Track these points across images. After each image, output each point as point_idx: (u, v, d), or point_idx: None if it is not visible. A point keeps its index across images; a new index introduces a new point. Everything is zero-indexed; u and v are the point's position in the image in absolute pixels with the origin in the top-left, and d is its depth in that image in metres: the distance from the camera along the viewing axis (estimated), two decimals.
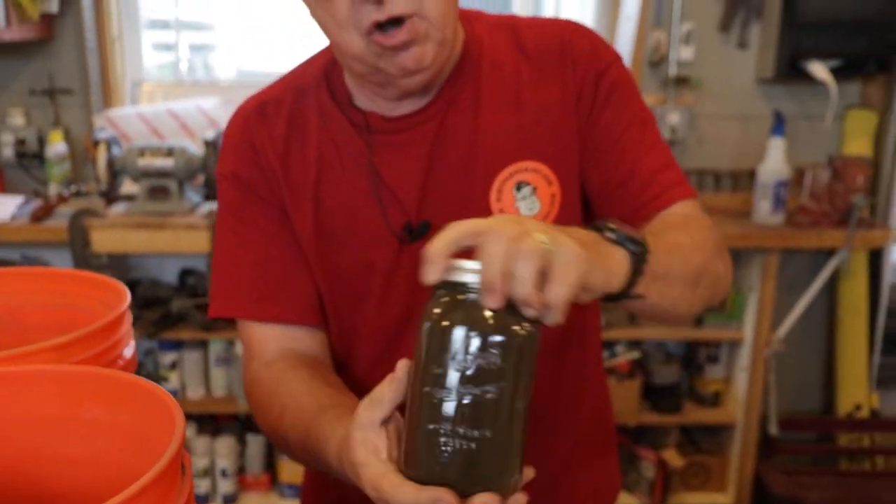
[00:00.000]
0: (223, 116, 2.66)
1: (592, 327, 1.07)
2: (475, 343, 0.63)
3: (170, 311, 2.43)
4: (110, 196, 2.41)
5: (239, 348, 2.47)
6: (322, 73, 0.99)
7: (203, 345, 2.54)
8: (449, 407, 0.64)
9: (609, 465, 1.15)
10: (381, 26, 0.84)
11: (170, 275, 2.64)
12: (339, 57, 0.92)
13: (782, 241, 2.44)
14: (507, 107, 0.94)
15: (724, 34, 2.65)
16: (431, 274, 0.65)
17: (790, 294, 2.71)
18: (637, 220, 0.88)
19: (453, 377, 0.63)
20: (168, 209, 2.32)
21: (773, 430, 2.67)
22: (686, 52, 2.64)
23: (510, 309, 0.63)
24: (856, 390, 2.81)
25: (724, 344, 2.68)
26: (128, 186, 2.46)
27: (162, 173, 2.31)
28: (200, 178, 2.41)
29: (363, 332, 0.99)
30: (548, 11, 2.90)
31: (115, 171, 2.34)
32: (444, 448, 0.64)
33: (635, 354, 2.63)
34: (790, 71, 2.54)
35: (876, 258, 2.74)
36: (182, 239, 2.25)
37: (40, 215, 2.31)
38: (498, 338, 0.63)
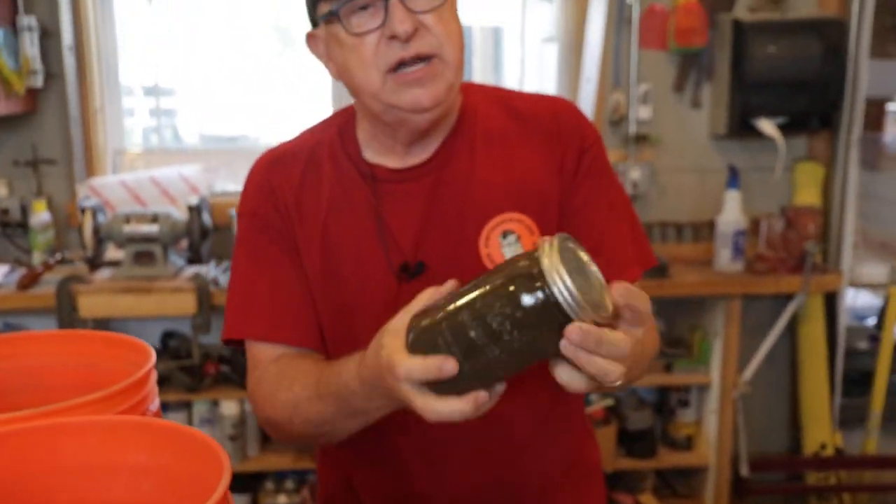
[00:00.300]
0: (203, 183, 2.75)
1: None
2: (515, 322, 0.74)
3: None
4: (95, 262, 2.47)
5: (224, 409, 2.51)
6: (336, 131, 1.12)
7: (187, 406, 2.57)
8: (461, 334, 0.76)
9: (593, 499, 1.24)
10: (404, 65, 0.96)
11: (152, 338, 2.68)
12: (358, 96, 1.03)
13: (743, 287, 2.58)
14: (497, 165, 1.07)
15: (679, 94, 2.83)
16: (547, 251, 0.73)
17: (754, 338, 2.84)
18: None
19: (485, 324, 0.75)
20: (153, 274, 2.38)
21: (745, 471, 2.77)
22: (644, 112, 2.80)
23: (552, 321, 0.73)
24: (820, 430, 2.92)
25: (694, 388, 2.79)
26: (112, 252, 2.52)
27: (147, 239, 2.38)
28: (184, 243, 2.48)
29: None
30: (512, 73, 3.05)
31: (101, 238, 2.41)
32: (436, 345, 0.78)
33: (609, 401, 2.72)
34: (741, 127, 2.72)
35: (832, 302, 2.89)
36: (168, 302, 2.32)
37: (27, 283, 2.36)
38: (520, 326, 0.74)
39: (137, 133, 3.05)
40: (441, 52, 0.97)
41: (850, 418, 3.16)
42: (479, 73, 3.37)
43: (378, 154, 1.08)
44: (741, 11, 2.76)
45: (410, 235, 1.05)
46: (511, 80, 3.18)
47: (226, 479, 0.68)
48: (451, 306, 0.78)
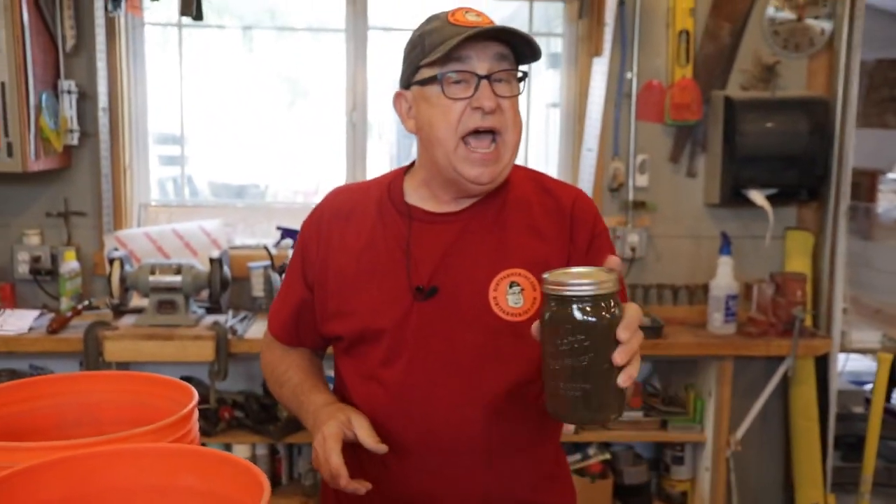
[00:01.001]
0: (223, 236, 2.90)
1: None
2: (568, 331, 0.98)
3: None
4: (120, 309, 2.61)
5: (236, 452, 2.62)
6: (387, 182, 1.39)
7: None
8: (560, 370, 1.00)
9: None
10: (476, 134, 1.22)
11: None
12: (432, 148, 1.26)
13: (734, 349, 2.70)
14: (518, 228, 1.30)
15: (675, 164, 3.00)
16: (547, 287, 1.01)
17: (747, 398, 2.95)
18: None
19: (560, 352, 0.99)
20: (175, 322, 2.52)
21: None
22: (641, 180, 2.97)
23: (587, 314, 0.98)
24: (813, 492, 3.00)
25: (688, 445, 2.89)
26: (136, 300, 2.66)
27: (170, 288, 2.52)
28: (205, 293, 2.62)
29: (370, 368, 1.31)
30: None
31: (127, 287, 2.55)
32: (563, 394, 1.01)
33: (606, 455, 2.82)
34: (733, 197, 2.87)
35: (823, 366, 3.00)
36: (188, 349, 2.45)
37: (56, 327, 2.49)
38: (581, 331, 0.98)
39: (154, 179, 3.21)
40: (506, 132, 1.24)
41: (846, 481, 3.23)
42: None
43: (420, 199, 1.33)
44: (733, 89, 2.94)
45: (431, 265, 1.27)
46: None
47: (265, 497, 0.80)
48: (545, 372, 1.04)
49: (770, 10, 2.93)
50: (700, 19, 2.92)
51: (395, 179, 1.37)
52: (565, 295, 0.98)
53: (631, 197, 2.97)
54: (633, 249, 2.95)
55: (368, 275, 1.30)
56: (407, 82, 1.28)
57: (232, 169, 3.45)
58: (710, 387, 2.78)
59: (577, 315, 0.98)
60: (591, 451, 2.84)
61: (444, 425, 1.25)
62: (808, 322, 2.92)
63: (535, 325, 1.04)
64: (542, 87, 3.20)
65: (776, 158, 2.83)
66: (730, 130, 2.82)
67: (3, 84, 2.43)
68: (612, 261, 1.07)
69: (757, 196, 2.82)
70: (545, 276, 1.01)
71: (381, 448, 1.19)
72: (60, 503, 0.89)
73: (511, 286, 1.25)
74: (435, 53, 1.20)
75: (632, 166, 2.96)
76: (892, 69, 5.31)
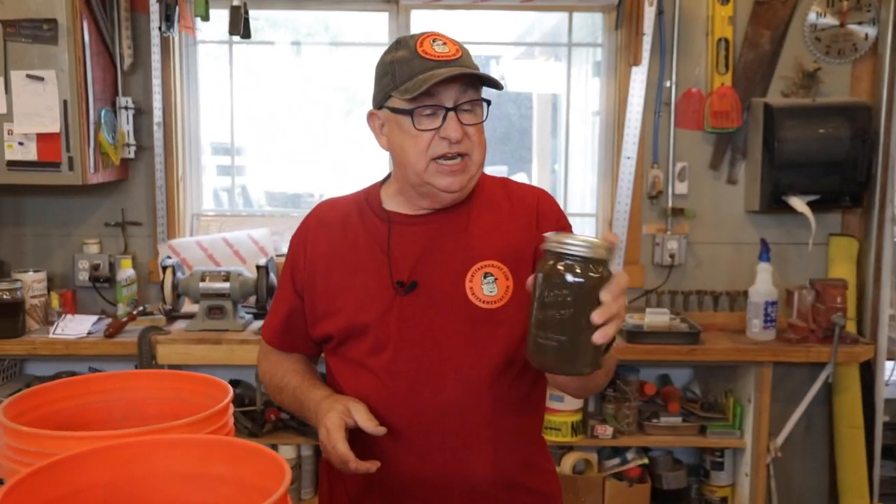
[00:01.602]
0: (270, 244, 3.02)
1: (534, 389, 1.44)
2: (556, 286, 1.07)
3: None
4: (172, 315, 2.74)
5: (282, 452, 2.72)
6: (364, 194, 1.50)
7: None
8: (542, 320, 1.09)
9: None
10: (445, 158, 1.32)
11: None
12: (403, 169, 1.37)
13: (773, 355, 2.69)
14: (488, 226, 1.41)
15: (715, 171, 3.00)
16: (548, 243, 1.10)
17: (789, 405, 2.93)
18: None
19: (545, 303, 1.08)
20: (224, 327, 2.63)
21: None
22: (681, 187, 2.98)
23: (574, 272, 1.07)
24: (858, 500, 2.96)
25: (728, 451, 2.88)
26: (187, 306, 2.78)
27: (219, 295, 2.63)
28: (252, 299, 2.73)
29: (358, 357, 1.40)
30: (560, 153, 3.26)
31: (179, 293, 2.68)
32: (540, 343, 1.10)
33: (644, 460, 2.83)
34: (774, 203, 2.87)
35: (868, 373, 2.96)
36: (236, 353, 2.56)
37: (112, 332, 2.63)
38: (567, 286, 1.07)
39: (209, 189, 3.35)
40: (472, 153, 1.35)
41: (892, 491, 3.18)
42: (537, 137, 3.59)
43: (397, 205, 1.44)
44: (774, 96, 2.94)
45: (410, 262, 1.39)
46: (562, 146, 3.39)
47: (286, 483, 0.88)
48: (531, 318, 1.12)
49: (812, 17, 2.92)
50: (739, 27, 2.92)
51: (372, 190, 1.49)
52: (559, 252, 1.07)
53: (670, 204, 2.98)
54: (671, 256, 2.97)
55: (352, 275, 1.41)
56: (379, 104, 1.37)
57: (287, 178, 3.58)
58: (749, 392, 2.77)
59: (566, 271, 1.06)
60: (629, 455, 2.86)
61: (431, 408, 1.35)
62: (852, 329, 2.89)
63: (530, 279, 1.12)
64: (585, 96, 3.24)
65: (817, 164, 2.82)
66: (769, 137, 2.82)
67: (65, 102, 2.58)
68: (610, 234, 1.20)
69: (798, 202, 2.81)
70: (547, 234, 1.11)
71: (380, 430, 1.28)
72: (104, 487, 0.98)
73: (485, 276, 1.37)
74: (406, 93, 1.29)
75: (671, 174, 2.98)
76: None
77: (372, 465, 1.28)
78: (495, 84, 1.33)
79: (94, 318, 2.78)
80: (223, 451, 0.99)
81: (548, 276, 1.08)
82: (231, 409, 1.15)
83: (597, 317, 1.06)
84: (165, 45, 2.92)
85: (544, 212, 1.43)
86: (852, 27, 2.91)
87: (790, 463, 2.99)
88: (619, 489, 2.79)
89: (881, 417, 3.01)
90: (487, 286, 1.37)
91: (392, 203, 1.44)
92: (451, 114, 1.30)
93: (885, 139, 2.88)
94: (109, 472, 0.96)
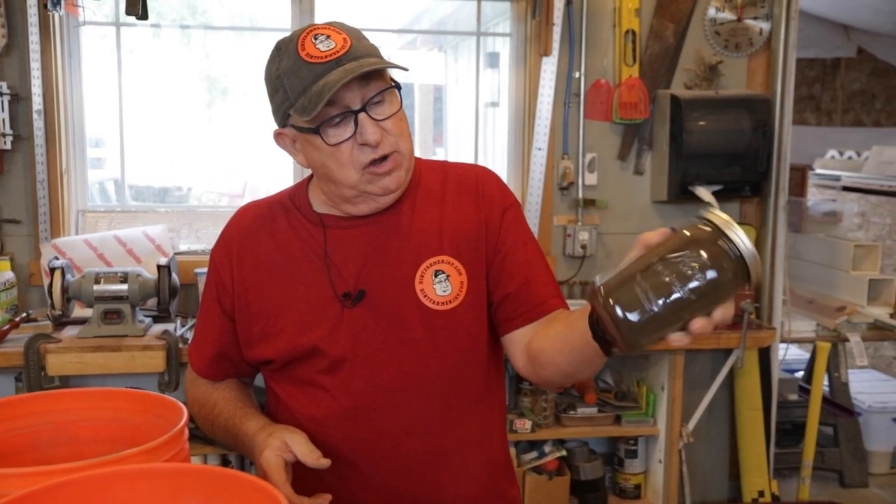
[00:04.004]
0: (167, 242, 2.81)
1: (499, 389, 1.37)
2: (703, 265, 0.89)
3: None
4: (61, 321, 2.49)
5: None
6: (288, 195, 1.36)
7: None
8: (658, 280, 0.90)
9: None
10: (373, 161, 1.19)
11: None
12: (333, 186, 1.23)
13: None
14: (433, 217, 1.29)
15: (623, 162, 3.04)
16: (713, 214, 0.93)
17: (694, 390, 3.01)
18: (527, 319, 1.27)
19: (675, 266, 0.90)
20: (122, 332, 2.42)
21: None
22: (591, 178, 3.00)
23: (730, 266, 0.89)
24: (757, 478, 3.09)
25: (641, 439, 2.93)
26: (78, 311, 2.54)
27: (116, 297, 2.42)
28: (151, 302, 2.53)
29: (309, 377, 1.27)
30: (467, 142, 3.22)
31: (69, 297, 2.44)
32: (636, 294, 0.91)
33: (562, 452, 2.83)
34: (680, 193, 2.93)
35: (766, 356, 3.09)
36: (137, 360, 2.36)
37: None
38: (712, 274, 0.89)
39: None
40: (399, 147, 1.21)
41: (783, 466, 3.35)
42: (419, 127, 3.54)
43: (329, 208, 1.30)
44: (678, 88, 3.00)
45: (353, 270, 1.26)
46: (450, 136, 3.37)
47: None
48: (642, 263, 0.92)
49: (711, 11, 3.00)
50: (645, 19, 2.97)
51: (297, 191, 1.34)
52: (731, 235, 0.89)
53: (581, 195, 3.00)
54: (583, 247, 2.98)
55: (291, 290, 1.27)
56: (282, 123, 1.24)
57: (151, 171, 3.33)
58: (662, 380, 2.83)
59: (725, 257, 0.89)
60: (546, 448, 2.85)
61: (393, 431, 1.25)
62: (752, 315, 3.01)
63: (660, 232, 0.94)
64: (482, 87, 3.21)
65: (721, 155, 2.90)
66: (676, 129, 2.88)
67: None
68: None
69: (704, 192, 2.89)
70: (709, 208, 0.94)
71: (324, 463, 1.15)
72: None
73: (436, 275, 1.25)
74: (304, 112, 1.14)
75: (581, 165, 2.99)
76: (809, 68, 5.54)
77: (324, 501, 1.14)
78: (397, 67, 1.19)
79: None
80: (195, 481, 0.87)
81: (699, 246, 0.89)
82: (186, 431, 1.02)
83: (697, 325, 0.91)
84: (45, 24, 2.65)
85: (488, 194, 1.32)
86: (748, 22, 3.02)
87: (695, 447, 3.08)
88: (538, 483, 2.78)
89: (776, 398, 3.15)
90: (440, 285, 1.25)
91: (323, 206, 1.30)
92: (362, 115, 1.16)
93: (779, 130, 3.00)
94: None
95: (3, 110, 2.59)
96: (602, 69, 2.98)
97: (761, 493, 3.07)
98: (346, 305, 1.25)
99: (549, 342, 1.20)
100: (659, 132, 2.98)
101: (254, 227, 1.33)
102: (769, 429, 3.11)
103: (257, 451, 1.18)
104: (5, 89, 2.60)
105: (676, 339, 0.93)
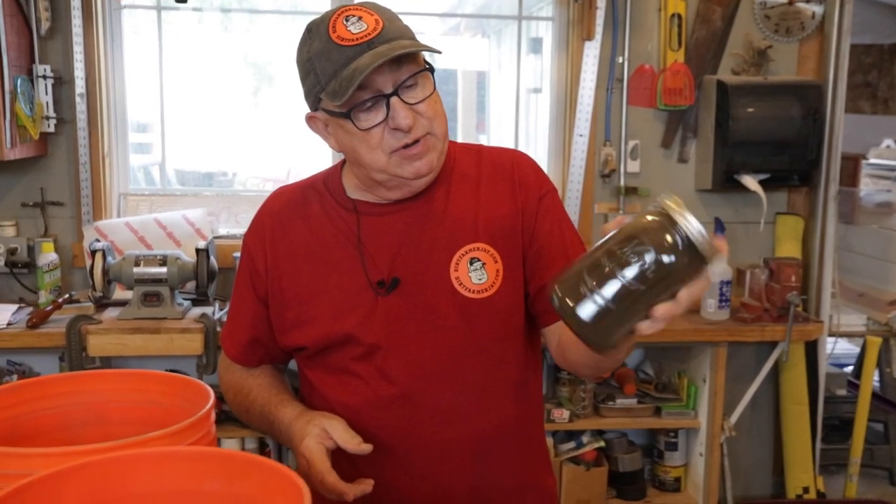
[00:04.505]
0: (206, 225, 2.82)
1: (536, 379, 1.34)
2: (645, 251, 0.87)
3: None
4: (102, 302, 2.52)
5: (225, 447, 2.55)
6: (322, 179, 1.33)
7: None
8: (602, 272, 0.88)
9: None
10: (405, 146, 1.16)
11: None
12: (364, 171, 1.21)
13: (729, 335, 2.68)
14: (468, 204, 1.26)
15: (667, 150, 2.97)
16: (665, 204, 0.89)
17: (738, 383, 2.94)
18: None
19: (620, 258, 0.87)
20: (161, 314, 2.44)
21: None
22: (633, 166, 2.94)
23: (675, 251, 0.86)
24: (802, 474, 3.01)
25: (682, 431, 2.87)
26: (119, 293, 2.57)
27: (156, 280, 2.44)
28: (190, 285, 2.54)
29: (343, 364, 1.26)
30: (510, 129, 3.18)
31: (109, 279, 2.46)
32: (581, 292, 0.89)
33: (600, 443, 2.79)
34: (726, 182, 2.85)
35: (812, 350, 3.00)
36: (176, 342, 2.37)
37: (36, 322, 2.40)
38: (657, 259, 0.86)
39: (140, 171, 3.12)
40: (433, 129, 1.18)
41: (830, 463, 3.26)
42: (461, 113, 3.50)
43: (362, 193, 1.27)
44: (725, 73, 2.92)
45: (387, 257, 1.23)
46: (493, 123, 3.32)
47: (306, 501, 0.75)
48: (589, 258, 0.90)
49: None
50: (692, 3, 2.89)
51: (331, 176, 1.32)
52: (677, 219, 0.86)
53: (622, 182, 2.94)
54: None
55: (325, 276, 1.25)
56: (313, 107, 1.21)
57: (199, 156, 3.35)
58: (703, 372, 2.76)
59: (664, 244, 0.86)
60: (584, 438, 2.81)
61: (429, 419, 1.22)
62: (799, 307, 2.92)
63: (613, 222, 0.92)
64: (518, 73, 3.16)
65: (768, 143, 2.81)
66: (722, 115, 2.80)
67: None
68: (722, 243, 0.96)
69: (750, 181, 2.81)
70: (666, 196, 0.90)
71: (366, 448, 1.13)
72: None
73: (472, 262, 1.23)
74: (335, 97, 1.12)
75: (623, 152, 2.93)
76: (865, 54, 5.36)
77: (367, 486, 1.13)
78: (429, 50, 1.15)
79: (14, 307, 2.54)
80: (218, 465, 0.86)
81: (645, 233, 0.87)
82: (213, 414, 1.01)
83: (661, 311, 0.89)
84: (87, 8, 2.67)
85: (524, 180, 1.28)
86: (800, 5, 2.92)
87: (738, 441, 3.01)
88: (576, 473, 2.74)
89: (822, 392, 3.07)
90: (475, 273, 1.22)
91: (357, 191, 1.28)
92: (395, 99, 1.13)
93: (830, 118, 2.90)
94: (87, 494, 0.81)
95: (46, 93, 2.61)
96: (646, 54, 2.91)
97: (806, 490, 3.00)
98: (380, 294, 1.23)
99: (572, 341, 1.16)
100: (704, 119, 2.90)
101: (287, 211, 1.31)
102: (815, 424, 3.03)
103: (296, 439, 1.17)
104: (49, 72, 2.62)
105: (645, 327, 0.91)
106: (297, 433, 1.17)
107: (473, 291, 1.22)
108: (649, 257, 0.86)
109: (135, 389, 1.10)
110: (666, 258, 0.86)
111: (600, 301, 0.88)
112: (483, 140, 3.61)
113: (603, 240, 0.90)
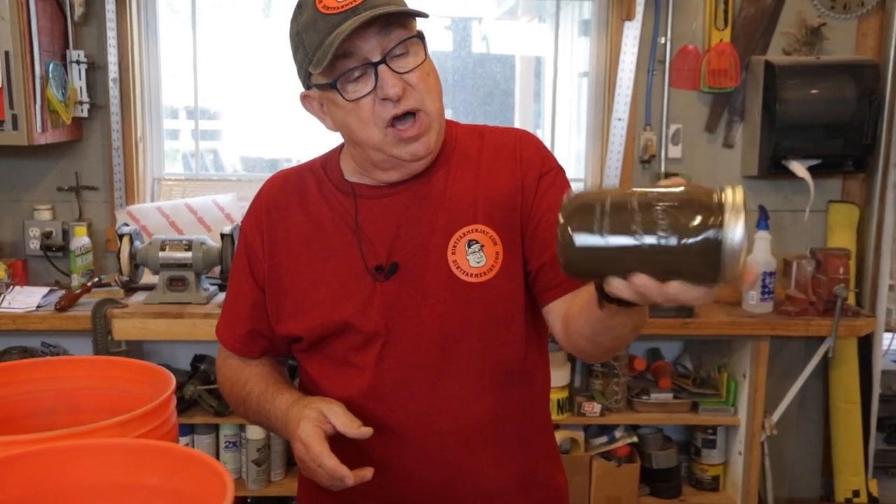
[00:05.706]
0: (237, 210, 2.81)
1: (540, 366, 1.28)
2: (670, 228, 0.78)
3: (182, 395, 2.52)
4: (130, 286, 2.54)
5: (249, 433, 2.55)
6: (320, 163, 1.30)
7: (214, 428, 2.61)
8: (618, 215, 0.80)
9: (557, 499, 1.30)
10: (397, 119, 1.11)
11: (183, 361, 2.74)
12: (360, 149, 1.17)
13: (771, 329, 2.55)
14: (468, 183, 1.21)
15: (711, 134, 2.84)
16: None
17: (783, 380, 2.80)
18: (564, 290, 1.17)
19: (644, 219, 0.79)
20: (185, 299, 2.44)
21: None
22: (674, 151, 2.82)
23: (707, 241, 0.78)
24: (853, 477, 2.86)
25: (721, 428, 2.75)
26: (147, 277, 2.58)
27: (181, 265, 2.43)
28: (216, 270, 2.54)
29: (342, 354, 1.21)
30: (545, 117, 3.08)
31: (137, 264, 2.47)
32: (591, 219, 0.81)
33: (633, 438, 2.70)
34: (773, 168, 2.71)
35: (866, 346, 2.84)
36: (199, 327, 2.37)
37: (65, 305, 2.43)
38: (672, 240, 0.78)
39: (179, 154, 3.13)
40: (424, 105, 1.13)
41: (888, 465, 3.08)
42: (519, 101, 3.40)
43: (360, 176, 1.23)
44: (775, 53, 2.77)
45: (385, 241, 1.19)
46: (548, 110, 3.21)
47: (229, 499, 0.70)
48: (620, 194, 0.82)
49: None
50: None
51: (329, 159, 1.28)
52: (726, 221, 0.77)
53: (663, 169, 2.82)
54: None
55: (322, 262, 1.21)
56: (306, 85, 1.18)
57: (263, 142, 3.35)
58: (744, 368, 2.64)
59: (700, 236, 0.78)
60: (617, 433, 2.72)
61: (428, 406, 1.17)
62: (851, 300, 2.76)
63: (674, 180, 0.84)
64: (571, 57, 3.05)
65: (820, 127, 2.66)
66: (770, 98, 2.65)
67: (6, 53, 2.35)
68: (750, 272, 0.89)
69: (798, 167, 2.66)
70: (733, 185, 0.80)
71: (366, 432, 1.09)
72: (18, 502, 0.80)
73: (469, 245, 1.18)
74: (318, 66, 1.08)
75: (664, 137, 2.81)
76: None
77: (367, 473, 1.09)
78: (416, 14, 1.10)
79: (45, 289, 2.58)
80: (157, 459, 0.81)
81: (682, 208, 0.78)
82: (173, 402, 0.97)
83: (640, 282, 0.80)
84: None
85: (527, 157, 1.22)
86: None
87: (783, 440, 2.88)
88: (607, 469, 2.65)
89: (877, 391, 2.90)
90: (473, 256, 1.17)
91: (355, 174, 1.24)
92: (382, 67, 1.09)
93: (891, 100, 2.72)
94: (23, 485, 0.78)
95: (80, 78, 2.63)
96: (690, 34, 2.77)
97: (856, 493, 2.84)
98: (378, 279, 1.18)
99: (575, 306, 1.10)
100: (751, 102, 2.76)
101: (283, 196, 1.27)
102: (868, 424, 2.87)
103: (292, 423, 1.13)
104: (83, 58, 2.64)
105: (615, 284, 0.82)
106: (294, 418, 1.13)
107: (471, 275, 1.17)
108: (675, 232, 0.78)
109: (105, 377, 1.07)
110: (684, 247, 0.78)
111: (600, 236, 0.81)
112: (539, 133, 3.52)
113: (644, 189, 0.82)
